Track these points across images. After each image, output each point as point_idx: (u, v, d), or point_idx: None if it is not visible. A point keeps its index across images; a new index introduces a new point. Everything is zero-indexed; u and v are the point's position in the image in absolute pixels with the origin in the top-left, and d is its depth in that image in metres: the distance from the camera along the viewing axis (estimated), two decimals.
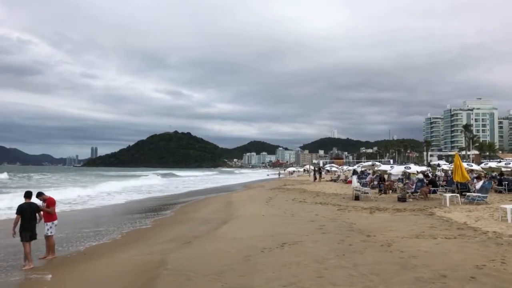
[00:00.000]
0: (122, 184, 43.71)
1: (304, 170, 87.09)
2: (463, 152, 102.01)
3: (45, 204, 9.69)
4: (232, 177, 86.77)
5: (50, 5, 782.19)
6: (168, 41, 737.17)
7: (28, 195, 9.26)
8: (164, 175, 79.03)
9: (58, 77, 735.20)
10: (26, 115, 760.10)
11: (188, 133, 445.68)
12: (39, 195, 9.82)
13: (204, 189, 42.40)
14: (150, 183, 49.98)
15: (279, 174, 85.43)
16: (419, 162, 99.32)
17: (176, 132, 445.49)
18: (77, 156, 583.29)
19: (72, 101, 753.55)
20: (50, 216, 9.66)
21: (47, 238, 9.64)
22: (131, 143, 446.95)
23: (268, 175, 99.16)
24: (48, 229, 9.54)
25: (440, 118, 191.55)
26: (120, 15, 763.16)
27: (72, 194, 28.96)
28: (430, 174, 31.83)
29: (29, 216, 8.97)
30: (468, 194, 17.99)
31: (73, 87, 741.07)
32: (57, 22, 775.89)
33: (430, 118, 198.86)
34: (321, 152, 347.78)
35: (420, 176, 24.58)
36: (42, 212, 9.49)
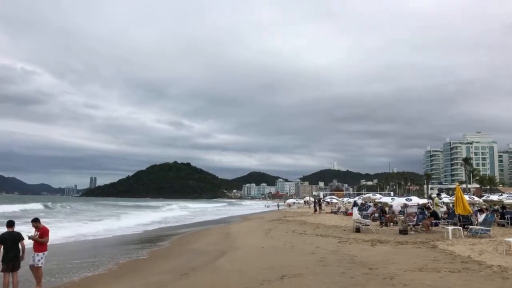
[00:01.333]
0: (154, 215, 46.69)
1: (305, 202, 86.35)
2: (464, 186, 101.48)
3: (38, 233, 9.21)
4: (240, 208, 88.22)
5: (54, 36, 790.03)
6: (170, 72, 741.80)
7: (10, 224, 8.90)
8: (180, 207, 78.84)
9: (61, 107, 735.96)
10: (26, 144, 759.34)
11: (188, 164, 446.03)
12: (35, 221, 9.36)
13: (206, 220, 42.03)
14: (174, 215, 51.02)
15: (278, 206, 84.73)
16: (420, 195, 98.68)
17: (175, 162, 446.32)
18: (75, 186, 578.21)
19: (73, 131, 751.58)
20: (42, 246, 9.20)
21: (37, 269, 9.12)
22: (131, 173, 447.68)
23: (267, 206, 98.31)
24: (39, 260, 9.07)
25: (439, 151, 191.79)
26: (122, 47, 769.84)
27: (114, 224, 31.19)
28: (431, 207, 31.50)
29: (9, 245, 8.59)
30: (470, 227, 17.72)
31: (75, 117, 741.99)
32: (61, 53, 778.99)
33: (430, 151, 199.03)
34: (321, 184, 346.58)
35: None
36: (32, 242, 9.05)
